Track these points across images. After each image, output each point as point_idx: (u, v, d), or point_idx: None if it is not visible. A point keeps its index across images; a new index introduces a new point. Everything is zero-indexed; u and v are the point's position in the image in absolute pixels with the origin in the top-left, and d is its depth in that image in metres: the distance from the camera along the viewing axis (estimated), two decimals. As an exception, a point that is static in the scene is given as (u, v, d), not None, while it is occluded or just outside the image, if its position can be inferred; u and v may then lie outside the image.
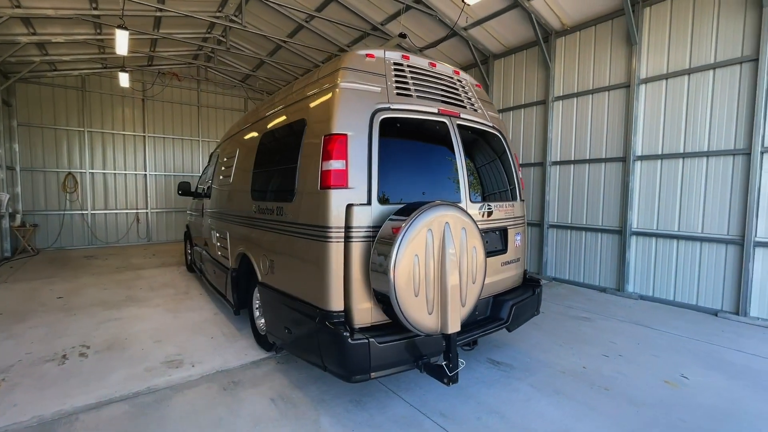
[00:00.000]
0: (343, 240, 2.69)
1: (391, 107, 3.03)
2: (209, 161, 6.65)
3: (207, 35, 10.96)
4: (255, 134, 4.13)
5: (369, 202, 2.77)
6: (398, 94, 3.08)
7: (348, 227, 2.69)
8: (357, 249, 2.70)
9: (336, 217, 2.69)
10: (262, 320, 4.24)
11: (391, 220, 2.58)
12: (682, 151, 5.92)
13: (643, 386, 3.51)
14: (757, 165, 5.17)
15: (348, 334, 2.57)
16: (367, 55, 3.06)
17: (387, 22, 8.82)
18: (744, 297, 5.31)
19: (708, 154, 5.64)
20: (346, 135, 2.76)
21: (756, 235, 5.22)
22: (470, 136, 3.47)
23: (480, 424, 2.90)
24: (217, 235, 5.20)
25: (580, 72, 7.19)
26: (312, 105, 3.08)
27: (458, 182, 3.26)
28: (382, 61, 3.12)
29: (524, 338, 4.57)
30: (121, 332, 4.70)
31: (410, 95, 3.16)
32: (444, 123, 3.30)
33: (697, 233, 5.77)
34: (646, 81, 6.27)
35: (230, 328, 4.85)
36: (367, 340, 2.60)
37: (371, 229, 2.76)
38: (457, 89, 3.60)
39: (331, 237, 2.69)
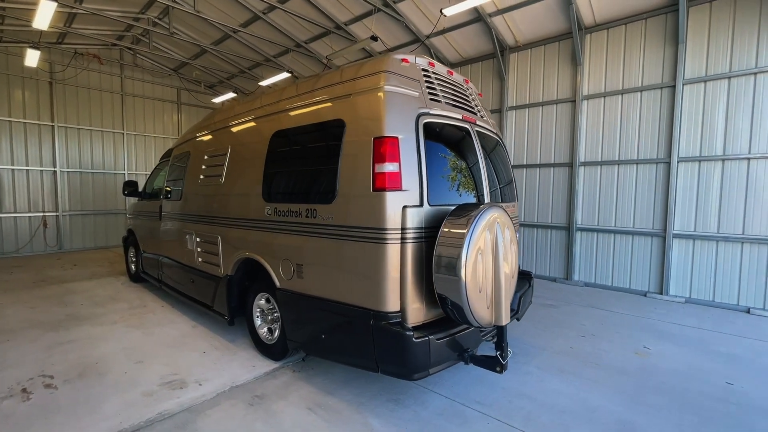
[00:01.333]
0: (399, 241, 2.73)
1: (430, 112, 3.14)
2: (170, 159, 5.98)
3: (140, 15, 9.73)
4: (261, 132, 3.87)
5: (421, 204, 2.85)
6: (431, 99, 3.20)
7: (403, 228, 2.74)
8: (411, 250, 2.77)
9: (392, 218, 2.72)
10: (266, 329, 4.03)
11: (452, 221, 2.69)
12: (617, 158, 6.99)
13: (621, 358, 4.13)
14: (674, 172, 6.36)
15: (412, 334, 2.63)
16: (402, 59, 3.13)
17: (351, 23, 8.81)
18: (666, 279, 6.50)
19: (638, 162, 6.77)
20: (397, 138, 2.80)
21: (674, 229, 6.43)
22: (484, 142, 3.73)
23: (514, 406, 3.17)
24: (198, 240, 4.73)
25: (532, 85, 8.03)
26: (351, 106, 3.04)
27: (482, 184, 3.49)
28: (415, 66, 3.21)
29: (512, 326, 5.02)
30: (85, 356, 4.03)
31: (440, 101, 3.30)
32: (467, 129, 3.51)
33: (630, 228, 6.88)
34: (588, 97, 7.27)
35: (219, 340, 4.47)
36: (428, 338, 2.68)
37: (424, 230, 2.84)
38: (468, 97, 3.84)
39: (387, 239, 2.72)
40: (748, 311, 5.81)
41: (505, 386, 3.50)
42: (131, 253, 7.39)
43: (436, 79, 3.41)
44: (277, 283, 3.56)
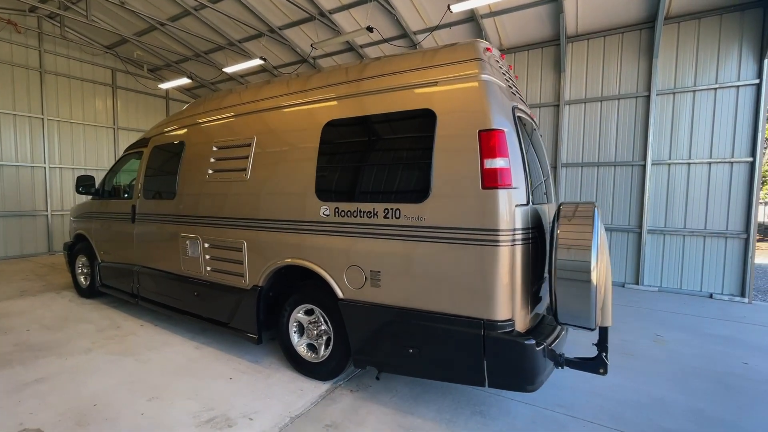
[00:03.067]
0: (510, 243, 2.52)
1: (518, 106, 2.99)
2: (145, 151, 5.02)
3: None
4: (310, 120, 3.36)
5: (527, 202, 2.68)
6: (510, 91, 3.04)
7: (515, 229, 2.54)
8: (521, 252, 2.58)
9: (505, 219, 2.50)
10: (304, 345, 3.55)
11: (569, 220, 2.55)
12: (597, 161, 7.54)
13: (645, 347, 4.40)
14: (648, 174, 7.03)
15: (533, 342, 2.45)
16: (486, 48, 2.92)
17: (336, 12, 8.29)
18: (641, 271, 7.17)
19: (615, 164, 7.36)
20: (504, 131, 2.59)
21: (648, 225, 7.11)
22: (532, 137, 3.66)
23: (593, 405, 3.16)
24: (206, 246, 4.01)
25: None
26: (442, 95, 2.75)
27: (545, 181, 3.43)
28: (494, 55, 3.02)
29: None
30: (72, 398, 3.17)
31: (514, 93, 3.17)
32: (531, 123, 3.42)
33: (609, 224, 7.46)
34: (570, 103, 7.73)
35: (241, 362, 3.83)
36: (545, 346, 2.52)
37: (530, 231, 2.68)
38: (518, 89, 3.75)
39: (499, 241, 2.49)
40: (710, 296, 6.64)
41: (573, 386, 3.48)
42: (80, 262, 6.12)
43: (506, 69, 3.26)
44: (340, 294, 3.12)
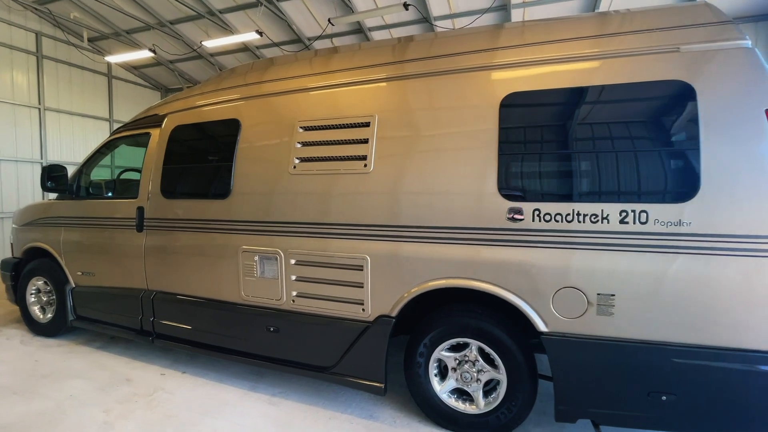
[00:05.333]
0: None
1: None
2: (160, 134, 3.64)
3: None
4: (478, 94, 2.48)
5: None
6: None
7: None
8: None
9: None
10: (450, 391, 2.69)
11: None
12: None
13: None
14: None
15: None
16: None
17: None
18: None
19: None
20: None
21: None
22: None
23: None
24: (292, 263, 2.89)
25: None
26: (698, 64, 2.12)
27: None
28: None
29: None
30: None
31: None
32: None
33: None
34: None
35: (353, 420, 2.80)
36: None
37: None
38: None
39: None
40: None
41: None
42: (35, 287, 4.38)
43: None
44: (541, 325, 2.32)
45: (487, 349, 2.57)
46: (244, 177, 3.12)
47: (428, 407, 2.74)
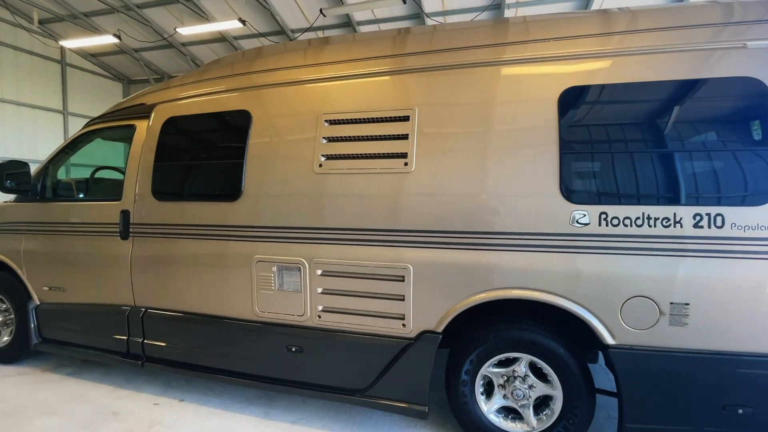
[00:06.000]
0: None
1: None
2: (149, 125, 3.16)
3: None
4: (532, 88, 2.25)
5: None
6: None
7: None
8: None
9: None
10: (495, 409, 2.48)
11: None
12: None
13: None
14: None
15: None
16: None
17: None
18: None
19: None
20: None
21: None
22: None
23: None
24: (318, 274, 2.54)
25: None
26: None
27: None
28: None
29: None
30: None
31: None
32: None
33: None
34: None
35: (388, 447, 2.52)
36: None
37: None
38: None
39: None
40: None
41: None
42: (-9, 306, 3.71)
43: None
44: (608, 338, 2.15)
45: (540, 364, 2.38)
46: (258, 176, 2.73)
47: (473, 428, 2.50)
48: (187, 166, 3.06)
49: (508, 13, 7.43)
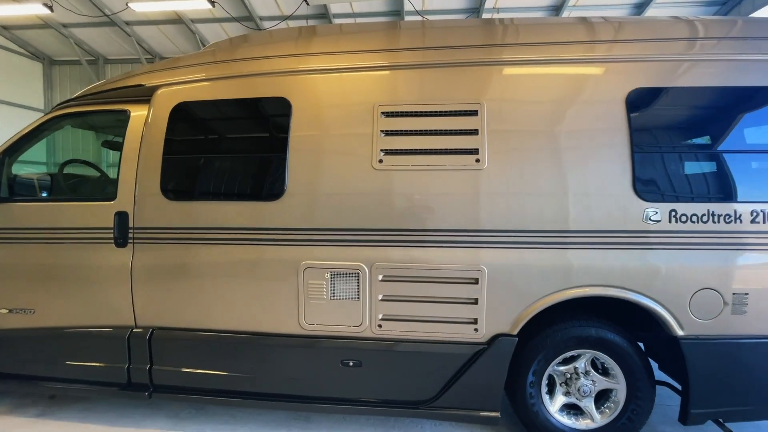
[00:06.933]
0: None
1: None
2: (126, 110, 2.67)
3: None
4: (599, 89, 2.27)
5: None
6: None
7: None
8: None
9: None
10: (559, 408, 2.50)
11: None
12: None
13: None
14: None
15: None
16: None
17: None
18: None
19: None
20: None
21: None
22: None
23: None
24: (379, 279, 2.32)
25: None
26: None
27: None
28: None
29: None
30: None
31: None
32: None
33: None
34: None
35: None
36: None
37: None
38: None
39: None
40: None
41: None
42: None
43: None
44: (677, 330, 2.24)
45: (603, 358, 2.43)
46: (306, 173, 2.43)
47: (540, 429, 2.48)
48: (209, 161, 2.62)
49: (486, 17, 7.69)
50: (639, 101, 2.30)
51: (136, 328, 2.63)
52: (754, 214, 2.21)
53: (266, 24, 7.76)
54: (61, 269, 2.70)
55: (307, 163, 2.44)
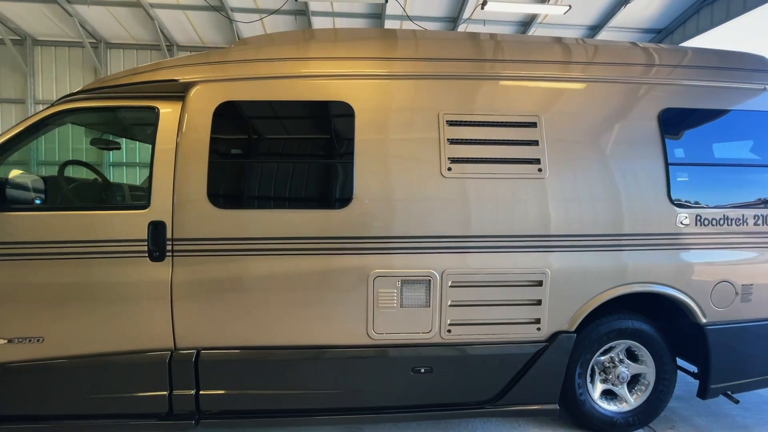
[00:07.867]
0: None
1: None
2: (154, 108, 2.41)
3: None
4: (637, 102, 2.53)
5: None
6: None
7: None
8: None
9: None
10: (599, 395, 2.77)
11: None
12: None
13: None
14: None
15: None
16: None
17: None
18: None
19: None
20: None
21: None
22: None
23: None
24: (449, 285, 2.35)
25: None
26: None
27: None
28: None
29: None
30: None
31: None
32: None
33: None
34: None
35: (517, 452, 2.51)
36: None
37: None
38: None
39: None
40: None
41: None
42: None
43: None
44: (701, 318, 2.58)
45: (635, 347, 2.73)
46: (374, 179, 2.38)
47: (587, 416, 2.70)
48: (265, 166, 2.44)
49: (461, 29, 8.00)
50: (668, 120, 2.62)
51: (177, 351, 2.37)
52: (756, 218, 2.64)
53: (238, 15, 7.29)
54: (78, 289, 2.33)
55: (374, 169, 2.40)
